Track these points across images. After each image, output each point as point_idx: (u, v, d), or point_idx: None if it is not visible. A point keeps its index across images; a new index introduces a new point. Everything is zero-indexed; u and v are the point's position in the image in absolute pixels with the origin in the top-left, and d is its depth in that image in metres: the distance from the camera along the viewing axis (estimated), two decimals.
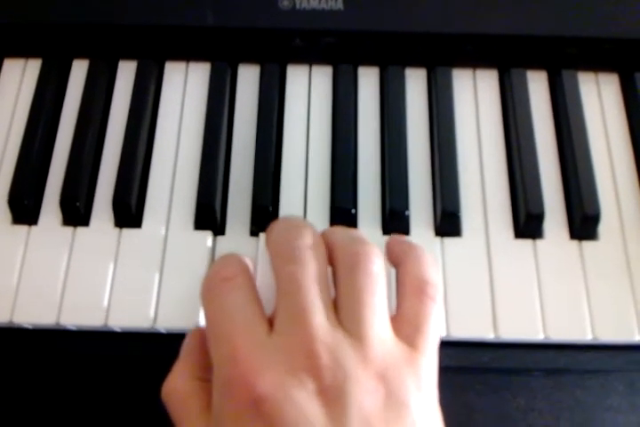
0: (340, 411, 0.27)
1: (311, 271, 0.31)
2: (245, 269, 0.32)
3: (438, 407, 0.30)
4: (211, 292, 0.31)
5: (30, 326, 0.38)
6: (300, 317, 0.29)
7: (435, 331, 0.31)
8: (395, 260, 0.35)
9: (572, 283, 0.39)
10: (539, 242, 0.40)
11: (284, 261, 0.31)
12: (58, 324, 0.37)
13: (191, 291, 0.38)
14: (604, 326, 0.37)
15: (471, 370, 0.42)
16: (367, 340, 0.29)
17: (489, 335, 0.37)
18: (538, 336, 0.37)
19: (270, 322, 0.30)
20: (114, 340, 0.39)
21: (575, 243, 0.40)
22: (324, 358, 0.28)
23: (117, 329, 0.38)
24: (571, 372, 0.42)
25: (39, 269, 0.39)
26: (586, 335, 0.37)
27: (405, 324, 0.31)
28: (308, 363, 0.28)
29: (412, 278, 0.32)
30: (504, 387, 0.42)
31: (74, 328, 0.38)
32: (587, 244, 0.40)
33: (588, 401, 0.42)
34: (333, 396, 0.27)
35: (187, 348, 0.34)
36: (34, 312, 0.38)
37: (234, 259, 0.33)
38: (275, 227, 0.34)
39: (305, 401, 0.27)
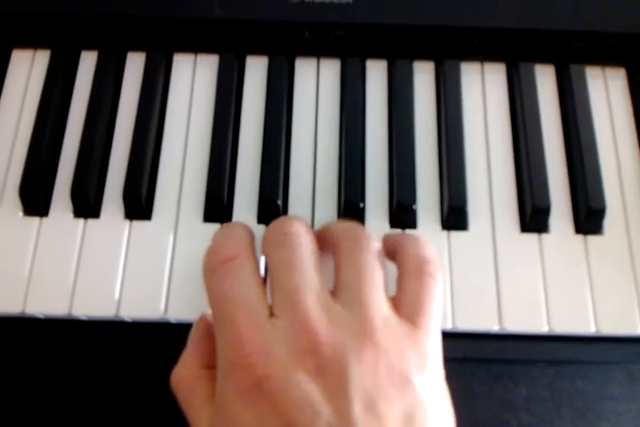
0: (340, 388, 0.27)
1: (298, 253, 0.31)
2: (247, 245, 0.33)
3: (445, 388, 0.30)
4: (212, 274, 0.32)
5: (42, 317, 0.39)
6: (293, 298, 0.29)
7: (437, 310, 0.31)
8: (391, 248, 0.35)
9: (577, 277, 0.39)
10: (544, 236, 0.40)
11: (271, 248, 0.32)
12: (70, 314, 0.38)
13: (201, 282, 0.38)
14: (607, 320, 0.38)
15: (475, 360, 0.42)
16: (366, 315, 0.29)
17: (494, 327, 0.38)
18: (542, 329, 0.38)
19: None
20: (125, 329, 0.39)
21: (580, 237, 0.40)
22: (322, 335, 0.28)
23: (128, 319, 0.39)
24: (572, 363, 0.42)
25: (50, 261, 0.39)
26: (589, 328, 0.38)
27: (406, 303, 0.31)
28: (307, 341, 0.28)
29: (411, 258, 0.33)
30: (506, 375, 0.43)
31: (85, 318, 0.39)
32: (592, 238, 0.40)
33: (589, 390, 0.42)
34: (333, 372, 0.27)
35: (193, 336, 0.34)
36: (46, 303, 0.38)
37: (235, 233, 0.33)
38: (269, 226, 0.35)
39: (305, 381, 0.27)
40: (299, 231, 0.32)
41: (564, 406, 0.42)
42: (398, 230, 0.40)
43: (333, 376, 0.27)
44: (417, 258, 0.33)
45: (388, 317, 0.30)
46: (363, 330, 0.29)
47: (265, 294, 0.31)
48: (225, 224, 0.38)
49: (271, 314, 0.30)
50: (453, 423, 0.30)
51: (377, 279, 0.31)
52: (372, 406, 0.27)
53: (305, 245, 0.32)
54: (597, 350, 0.39)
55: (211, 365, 0.32)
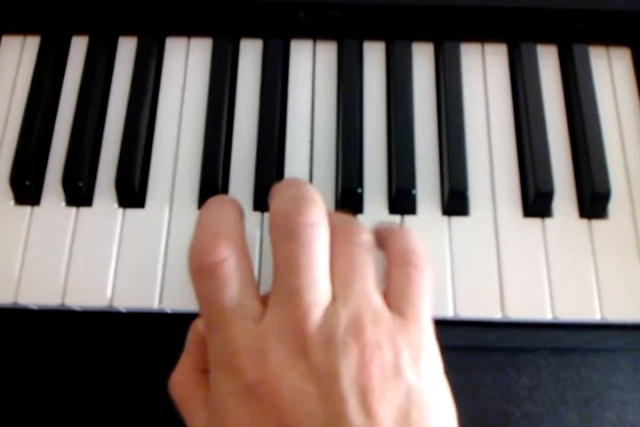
0: (334, 388, 0.27)
1: (309, 251, 0.29)
2: (236, 239, 0.30)
3: (444, 379, 0.30)
4: (199, 276, 0.30)
5: (35, 307, 0.38)
6: (293, 298, 0.29)
7: (425, 300, 0.31)
8: (380, 240, 0.34)
9: (581, 262, 0.38)
10: (547, 221, 0.39)
11: (282, 237, 0.30)
12: (63, 305, 0.37)
13: None
14: (612, 306, 0.37)
15: (477, 349, 0.42)
16: (357, 311, 0.29)
17: (496, 315, 0.37)
18: (546, 316, 0.37)
19: (265, 298, 0.30)
20: (120, 320, 0.39)
21: (585, 221, 0.39)
22: (314, 338, 0.28)
23: (122, 310, 0.38)
24: (577, 351, 0.42)
25: (43, 251, 0.38)
26: (594, 315, 0.37)
27: (394, 296, 0.30)
28: (299, 343, 0.28)
29: (397, 251, 0.32)
30: (510, 365, 0.42)
31: (79, 309, 0.38)
32: (596, 222, 0.39)
33: (594, 379, 0.42)
34: (326, 373, 0.27)
35: (189, 340, 0.34)
36: (38, 293, 0.38)
37: (221, 223, 0.31)
38: (279, 193, 0.32)
39: (298, 382, 0.27)
40: (316, 223, 0.30)
41: (568, 396, 0.42)
42: (397, 217, 0.40)
43: (326, 377, 0.27)
44: (401, 249, 0.32)
45: (379, 310, 0.29)
46: (355, 328, 0.28)
47: (257, 292, 0.30)
48: (210, 201, 0.34)
49: (265, 307, 0.29)
50: (454, 416, 0.29)
51: (367, 272, 0.30)
52: (366, 404, 0.27)
53: (320, 242, 0.30)
54: (602, 337, 0.39)
55: (207, 369, 0.31)
